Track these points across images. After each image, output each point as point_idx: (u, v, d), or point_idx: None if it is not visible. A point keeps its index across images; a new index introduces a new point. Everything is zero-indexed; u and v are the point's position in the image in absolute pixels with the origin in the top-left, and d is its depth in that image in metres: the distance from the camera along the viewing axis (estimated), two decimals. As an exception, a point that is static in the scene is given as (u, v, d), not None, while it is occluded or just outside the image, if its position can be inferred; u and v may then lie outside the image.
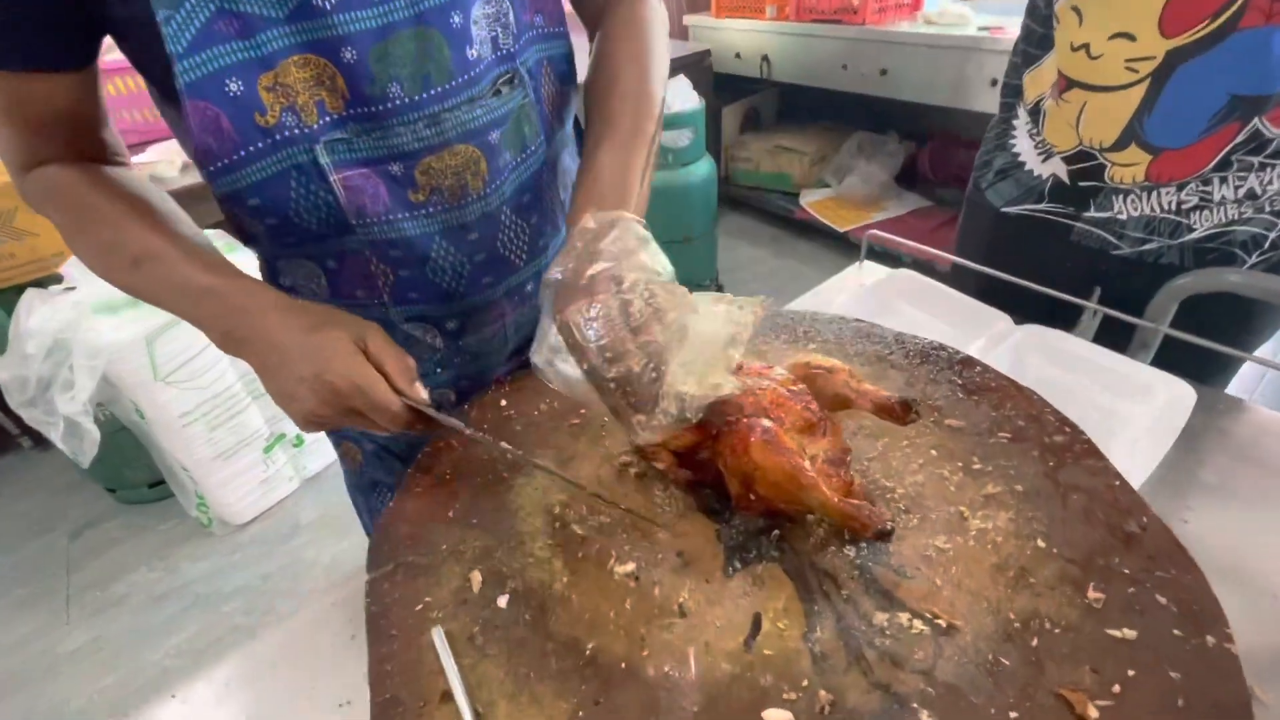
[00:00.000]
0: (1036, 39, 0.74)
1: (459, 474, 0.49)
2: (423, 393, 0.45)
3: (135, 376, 1.28)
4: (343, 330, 0.43)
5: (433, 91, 0.46)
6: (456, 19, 0.45)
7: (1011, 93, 0.80)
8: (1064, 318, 0.81)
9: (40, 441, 1.95)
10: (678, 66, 2.32)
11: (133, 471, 1.62)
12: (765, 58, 2.39)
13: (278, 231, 0.49)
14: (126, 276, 0.48)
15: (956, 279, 0.93)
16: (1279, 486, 0.57)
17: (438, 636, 0.37)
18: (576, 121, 0.64)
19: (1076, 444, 0.45)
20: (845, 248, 2.45)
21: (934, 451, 0.47)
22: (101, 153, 0.52)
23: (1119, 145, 0.68)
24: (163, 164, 1.53)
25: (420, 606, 0.39)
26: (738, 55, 2.50)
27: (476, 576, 0.41)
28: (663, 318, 0.40)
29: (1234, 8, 0.57)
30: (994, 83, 1.82)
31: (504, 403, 0.56)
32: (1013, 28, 1.76)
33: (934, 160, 2.51)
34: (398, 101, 0.45)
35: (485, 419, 0.54)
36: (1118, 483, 0.42)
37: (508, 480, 0.48)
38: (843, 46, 2.14)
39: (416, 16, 0.44)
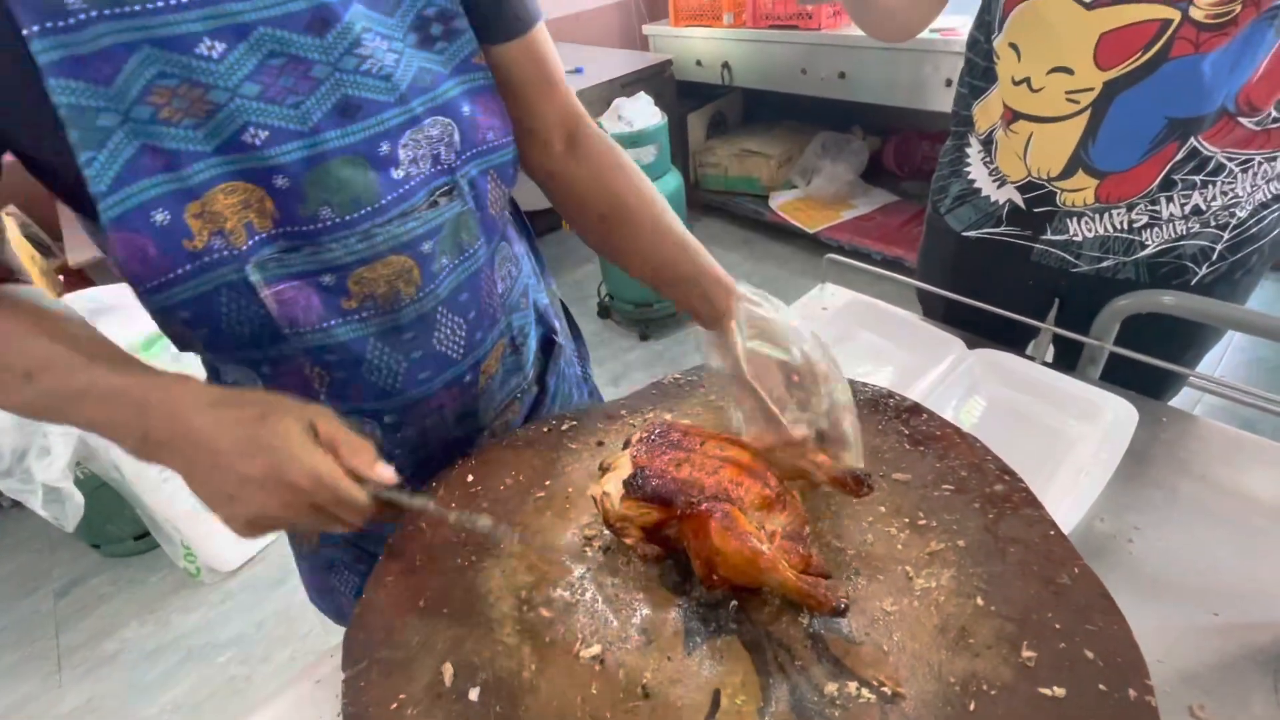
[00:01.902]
0: (980, 72, 0.76)
1: (429, 559, 0.50)
2: (388, 473, 0.44)
3: (111, 437, 1.27)
4: (292, 419, 0.42)
5: (363, 211, 0.46)
6: (384, 147, 0.46)
7: (962, 122, 0.82)
8: (1025, 333, 0.84)
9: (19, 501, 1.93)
10: (639, 78, 2.32)
11: (116, 526, 1.61)
12: (726, 64, 2.40)
13: (211, 340, 0.48)
14: (19, 394, 0.43)
15: (922, 297, 0.96)
16: (1220, 499, 0.61)
17: (412, 737, 0.39)
18: (513, 202, 0.66)
19: (1015, 493, 0.48)
20: (818, 247, 2.48)
21: (882, 508, 0.49)
22: None
23: (1066, 174, 0.71)
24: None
25: (395, 705, 0.41)
26: (699, 63, 2.51)
27: (448, 669, 0.42)
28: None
29: (1164, 39, 0.59)
30: (948, 83, 1.85)
31: (470, 478, 0.57)
32: (964, 29, 1.79)
33: (898, 155, 2.54)
34: (329, 222, 0.45)
35: (453, 496, 0.56)
36: (1052, 532, 0.45)
37: (476, 563, 0.49)
38: (800, 51, 2.16)
39: (344, 147, 0.45)
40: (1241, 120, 0.63)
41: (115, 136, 0.39)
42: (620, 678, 0.41)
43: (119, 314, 1.31)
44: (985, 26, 0.73)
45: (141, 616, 1.53)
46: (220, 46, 0.39)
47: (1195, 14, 0.57)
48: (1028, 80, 0.68)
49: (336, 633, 0.50)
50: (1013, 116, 0.71)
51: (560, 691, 0.41)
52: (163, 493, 1.39)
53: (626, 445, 0.50)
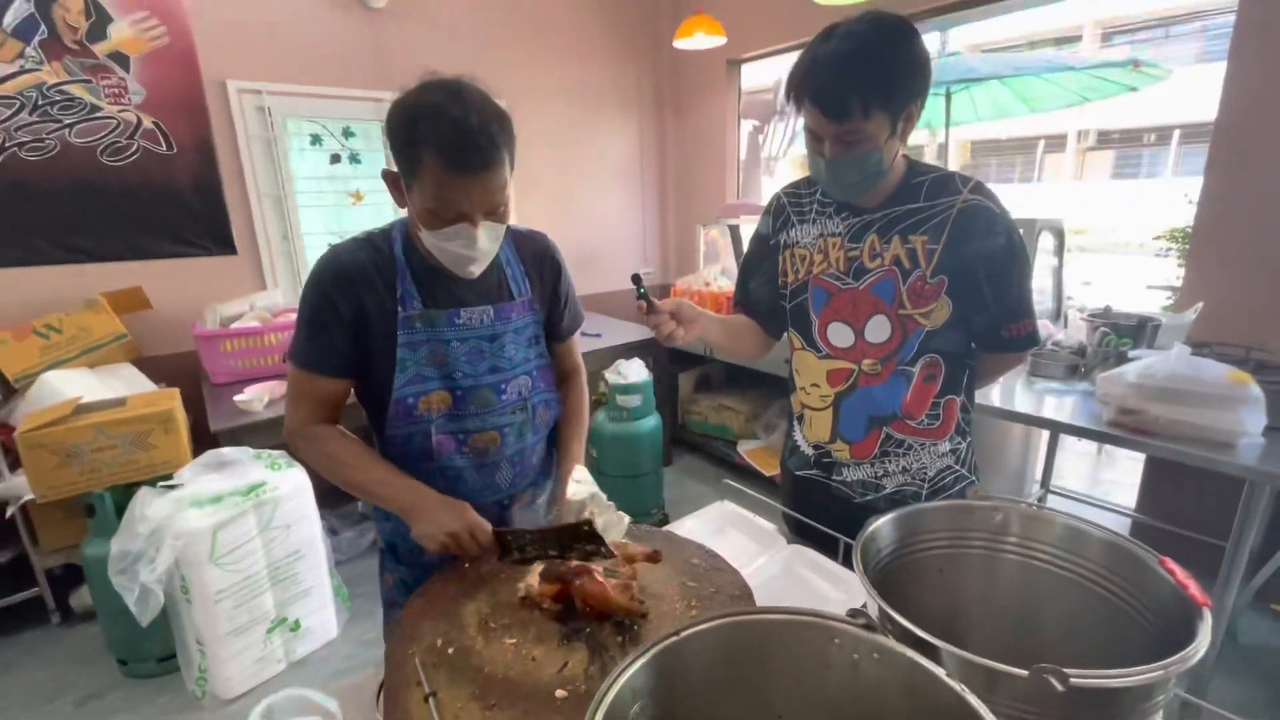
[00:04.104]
0: (791, 377, 1.35)
1: (439, 598, 0.94)
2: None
3: (198, 556, 1.70)
4: (461, 504, 0.98)
5: (486, 409, 1.06)
6: (504, 386, 1.08)
7: (788, 404, 1.40)
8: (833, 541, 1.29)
9: (67, 618, 2.25)
10: (643, 345, 3.10)
11: (150, 644, 1.92)
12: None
13: (402, 455, 1.05)
14: (356, 475, 1.02)
15: (783, 513, 1.43)
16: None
17: (418, 663, 0.80)
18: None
19: (738, 579, 0.92)
20: (774, 489, 2.96)
21: (676, 581, 0.93)
22: (337, 417, 1.09)
23: (832, 440, 1.24)
24: (254, 400, 2.13)
25: (411, 651, 0.83)
26: (689, 338, 3.32)
27: (439, 641, 0.85)
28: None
29: (854, 377, 1.17)
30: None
31: (467, 565, 1.03)
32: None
33: (843, 422, 3.16)
34: (471, 412, 1.05)
35: (453, 576, 1.01)
36: (737, 591, 0.88)
37: (463, 602, 0.93)
38: (759, 340, 2.92)
39: (488, 384, 1.06)
40: (908, 421, 1.17)
41: (409, 370, 1.01)
42: (523, 652, 0.83)
43: (236, 467, 1.84)
44: (789, 357, 1.34)
45: (142, 732, 1.75)
46: (458, 345, 1.04)
47: (864, 367, 1.16)
48: (803, 388, 1.26)
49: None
50: (802, 406, 1.28)
51: (492, 655, 0.82)
52: (211, 611, 1.75)
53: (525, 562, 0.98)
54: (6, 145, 2.27)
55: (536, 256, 1.16)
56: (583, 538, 0.92)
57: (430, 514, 0.96)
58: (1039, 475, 2.76)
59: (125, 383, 2.26)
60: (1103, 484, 3.22)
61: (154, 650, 1.93)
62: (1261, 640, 2.05)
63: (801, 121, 1.09)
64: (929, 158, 6.50)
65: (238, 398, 2.13)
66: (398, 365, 1.01)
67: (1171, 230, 5.14)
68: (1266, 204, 2.02)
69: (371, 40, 2.96)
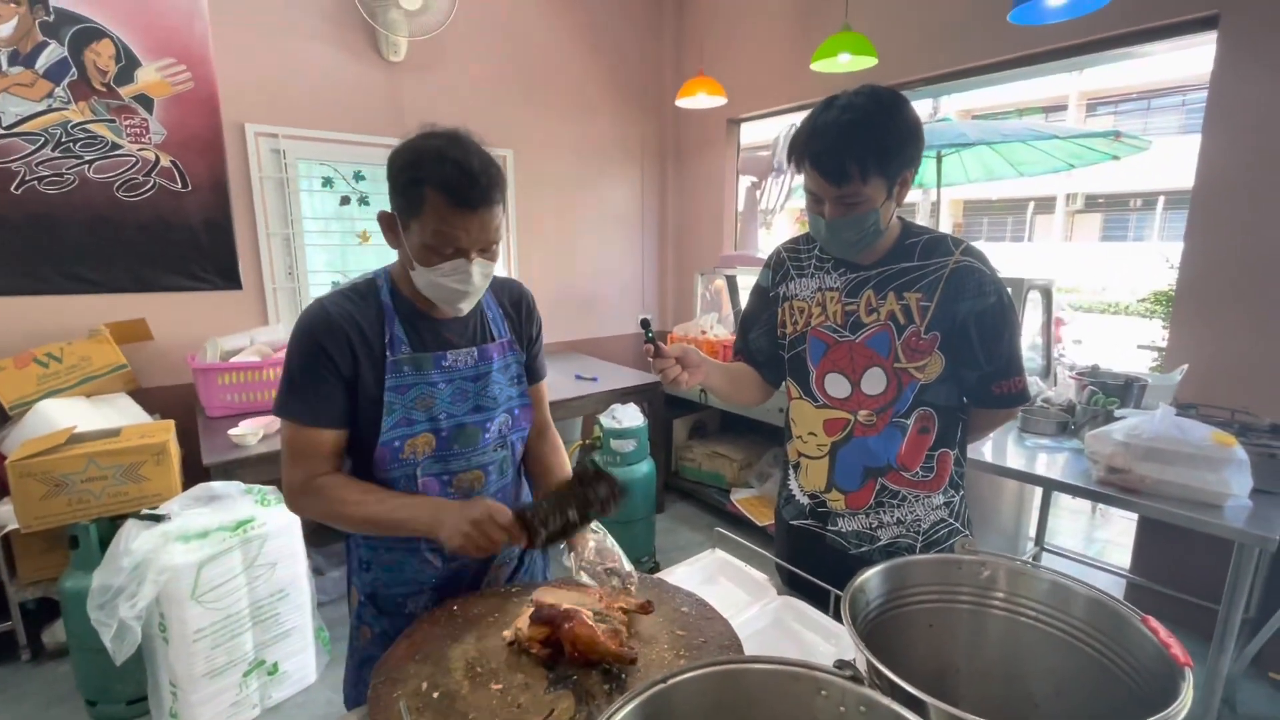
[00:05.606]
0: (788, 426, 1.37)
1: (425, 640, 0.93)
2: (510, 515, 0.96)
3: (179, 593, 1.67)
4: (479, 501, 0.97)
5: (469, 449, 1.07)
6: (487, 424, 1.10)
7: (784, 453, 1.41)
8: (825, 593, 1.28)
9: (37, 655, 2.18)
10: (638, 390, 3.12)
11: (121, 685, 1.86)
12: (703, 390, 3.21)
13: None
14: (374, 510, 0.99)
15: (776, 563, 1.42)
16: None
17: (402, 707, 0.79)
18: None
19: (720, 622, 0.92)
20: (766, 539, 2.93)
21: (666, 629, 0.92)
22: (340, 468, 1.06)
23: (828, 489, 1.25)
24: (249, 435, 2.13)
25: (397, 694, 0.82)
26: (684, 384, 3.34)
27: (424, 684, 0.84)
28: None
29: (849, 427, 1.19)
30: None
31: (455, 607, 1.02)
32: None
33: (837, 473, 3.16)
34: (455, 452, 1.06)
35: (440, 618, 1.00)
36: (727, 642, 0.88)
37: (449, 645, 0.92)
38: (754, 389, 2.95)
39: (473, 422, 1.07)
40: (903, 473, 1.19)
41: (396, 413, 1.01)
42: (508, 699, 0.82)
43: (225, 501, 1.82)
44: (785, 406, 1.36)
45: (105, 779, 1.68)
46: (442, 385, 1.05)
47: (859, 418, 1.18)
48: (800, 436, 1.28)
49: None
50: (799, 455, 1.30)
51: (478, 700, 0.81)
52: (188, 651, 1.70)
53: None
54: (27, 179, 2.34)
55: (513, 301, 1.21)
56: (590, 481, 0.98)
57: (452, 515, 0.96)
58: (1033, 532, 2.75)
59: (121, 413, 2.26)
60: (1097, 543, 3.20)
61: (125, 692, 1.86)
62: (1260, 710, 2.00)
63: (799, 180, 1.15)
64: (922, 216, 6.71)
65: (232, 432, 2.13)
66: (385, 409, 1.01)
67: (1155, 293, 5.27)
68: (1243, 272, 2.09)
69: (388, 90, 3.09)
